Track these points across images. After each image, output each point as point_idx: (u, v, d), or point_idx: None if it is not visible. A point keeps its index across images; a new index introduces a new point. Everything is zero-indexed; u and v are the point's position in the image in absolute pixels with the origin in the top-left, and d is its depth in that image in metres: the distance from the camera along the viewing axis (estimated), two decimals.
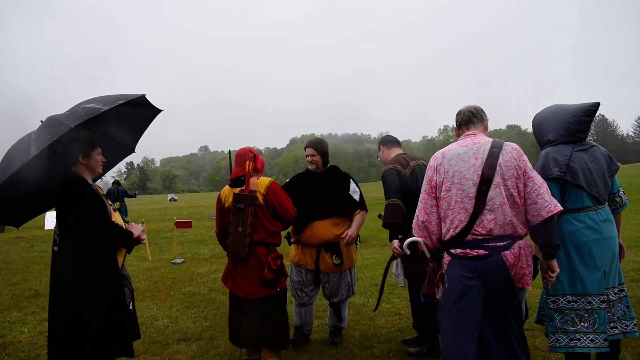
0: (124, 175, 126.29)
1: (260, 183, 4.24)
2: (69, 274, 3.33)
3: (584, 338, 3.29)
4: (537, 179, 2.93)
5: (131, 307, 3.64)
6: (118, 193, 17.12)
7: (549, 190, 2.90)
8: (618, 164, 3.53)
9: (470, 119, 3.23)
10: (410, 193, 4.25)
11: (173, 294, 7.39)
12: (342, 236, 4.72)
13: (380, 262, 9.21)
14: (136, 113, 3.95)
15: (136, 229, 3.61)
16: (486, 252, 2.86)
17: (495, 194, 2.87)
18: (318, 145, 4.89)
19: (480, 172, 2.91)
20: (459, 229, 2.94)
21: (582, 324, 3.31)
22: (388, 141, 4.92)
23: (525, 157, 2.97)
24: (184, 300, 7.01)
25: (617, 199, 3.57)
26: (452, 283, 2.99)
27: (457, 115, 3.34)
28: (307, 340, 4.91)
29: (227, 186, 4.42)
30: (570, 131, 3.44)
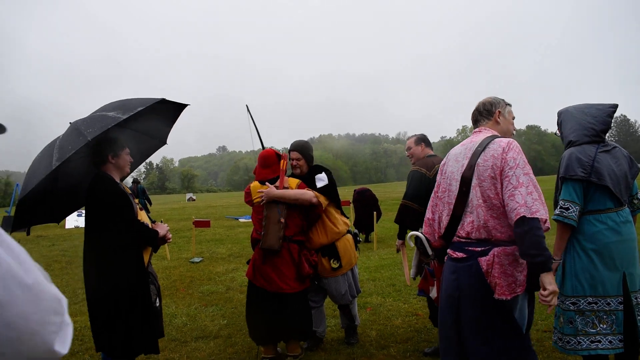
0: (143, 175, 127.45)
1: (291, 182, 4.46)
2: (96, 272, 3.43)
3: (604, 340, 3.28)
4: (517, 178, 2.63)
5: (157, 304, 3.72)
6: (137, 191, 17.42)
7: (532, 192, 2.58)
8: (639, 165, 3.54)
9: (476, 117, 3.17)
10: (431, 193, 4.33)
11: (191, 293, 7.46)
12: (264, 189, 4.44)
13: (397, 263, 9.19)
14: (162, 109, 4.04)
15: (162, 228, 3.72)
16: (465, 256, 2.81)
17: (473, 195, 2.80)
18: (303, 149, 4.77)
19: (462, 173, 2.88)
20: (444, 230, 2.97)
21: (601, 325, 3.29)
22: (425, 140, 4.92)
23: (510, 155, 2.71)
24: (202, 299, 7.07)
25: (636, 201, 3.58)
26: (443, 283, 3.01)
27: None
28: (321, 343, 4.89)
29: (255, 182, 4.55)
30: (593, 132, 3.44)
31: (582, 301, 3.34)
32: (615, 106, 3.49)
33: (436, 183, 3.17)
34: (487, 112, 3.11)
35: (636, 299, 3.35)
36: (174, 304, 6.80)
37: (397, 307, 6.15)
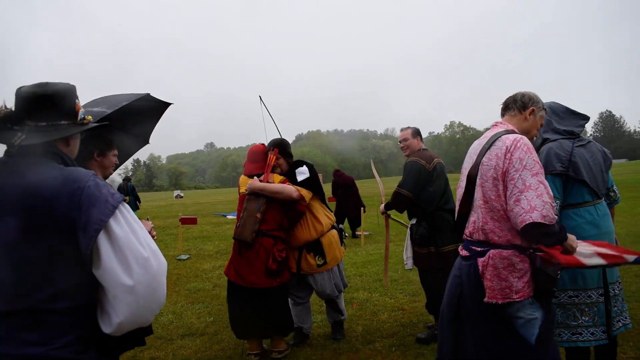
0: (130, 172, 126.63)
1: (276, 178, 4.47)
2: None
3: (585, 332, 3.31)
4: (523, 181, 2.49)
5: None
6: (127, 189, 17.49)
7: (541, 195, 2.46)
8: (611, 158, 3.60)
9: (507, 105, 3.01)
10: (428, 186, 4.68)
11: (178, 290, 7.44)
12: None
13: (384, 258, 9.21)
14: (145, 107, 4.00)
15: (147, 226, 3.69)
16: (468, 254, 2.79)
17: (477, 195, 2.74)
18: (280, 147, 4.68)
19: (469, 171, 2.82)
20: (457, 227, 2.94)
21: (583, 318, 3.31)
22: (420, 134, 5.02)
23: (517, 155, 2.55)
24: (189, 296, 7.05)
25: (612, 194, 3.66)
26: (448, 279, 3.00)
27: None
28: (307, 338, 4.89)
29: (243, 176, 4.64)
30: (569, 129, 3.52)
31: (563, 295, 3.36)
32: (587, 118, 3.63)
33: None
34: (521, 104, 2.94)
35: (613, 290, 3.39)
36: None
37: (384, 302, 6.18)
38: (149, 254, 1.64)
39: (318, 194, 4.65)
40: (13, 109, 1.70)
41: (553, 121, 3.57)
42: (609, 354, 3.46)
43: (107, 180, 3.84)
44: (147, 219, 3.89)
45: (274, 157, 4.49)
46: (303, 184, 4.51)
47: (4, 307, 1.52)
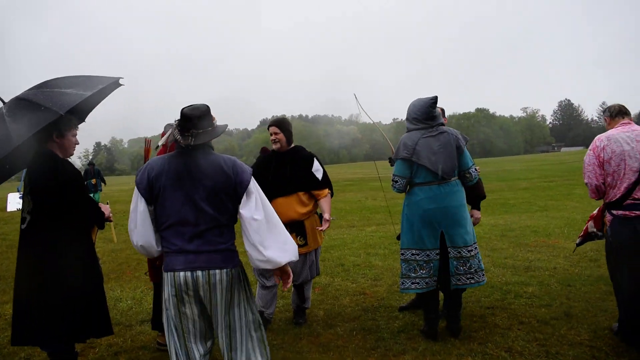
0: (90, 156, 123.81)
1: None
2: (44, 252, 3.32)
3: (421, 282, 4.26)
4: None
5: None
6: (94, 172, 17.97)
7: None
8: (464, 147, 4.32)
9: (621, 111, 4.17)
10: None
11: (138, 276, 7.31)
12: (321, 227, 4.68)
13: (347, 243, 9.27)
14: (108, 90, 3.90)
15: (106, 209, 3.64)
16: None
17: None
18: (281, 124, 4.81)
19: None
20: (621, 194, 3.89)
21: (421, 271, 4.26)
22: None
23: None
24: (148, 282, 6.91)
25: (467, 175, 4.37)
26: (616, 236, 3.99)
27: (607, 109, 4.29)
28: (268, 323, 4.86)
29: None
30: (418, 120, 4.33)
31: (407, 252, 4.33)
32: (434, 98, 4.31)
33: (598, 159, 4.03)
34: (628, 111, 4.20)
35: (459, 252, 4.22)
36: (119, 288, 6.66)
37: (345, 286, 6.21)
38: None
39: (332, 188, 4.92)
40: (179, 122, 2.82)
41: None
42: (452, 302, 4.37)
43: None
44: (107, 203, 3.81)
45: (149, 150, 4.37)
46: (324, 182, 4.81)
47: (204, 226, 2.79)
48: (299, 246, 4.58)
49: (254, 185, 2.89)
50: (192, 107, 2.84)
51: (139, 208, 2.85)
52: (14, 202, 21.53)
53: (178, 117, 2.87)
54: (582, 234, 4.57)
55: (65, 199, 3.30)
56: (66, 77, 3.70)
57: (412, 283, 4.30)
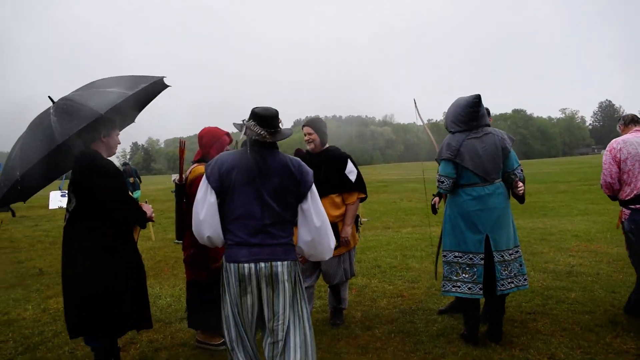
0: (128, 156, 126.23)
1: (199, 169, 4.21)
2: (85, 249, 3.41)
3: (463, 286, 4.20)
4: None
5: None
6: (131, 171, 18.48)
7: None
8: (510, 148, 4.26)
9: (634, 119, 4.78)
10: None
11: (176, 274, 7.41)
12: (341, 237, 4.64)
13: (383, 245, 9.22)
14: (153, 90, 3.97)
15: (148, 209, 3.70)
16: None
17: None
18: (315, 124, 4.77)
19: None
20: (638, 190, 4.47)
21: (463, 275, 4.20)
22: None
23: None
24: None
25: (512, 176, 4.28)
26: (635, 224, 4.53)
27: (621, 118, 4.90)
28: None
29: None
30: (462, 122, 4.25)
31: (450, 254, 4.30)
32: (477, 97, 4.20)
33: (615, 160, 4.59)
34: (639, 121, 4.79)
35: (502, 256, 4.17)
36: (158, 285, 6.76)
37: (382, 288, 6.17)
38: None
39: (365, 192, 4.84)
40: (255, 121, 2.98)
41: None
42: (495, 307, 4.30)
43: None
44: (146, 202, 3.87)
45: (184, 150, 4.32)
46: (358, 184, 4.71)
47: (269, 221, 2.94)
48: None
49: (314, 186, 3.08)
50: (265, 108, 3.06)
51: (209, 200, 2.96)
52: (56, 199, 22.15)
53: (247, 116, 3.06)
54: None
55: (106, 198, 3.37)
56: (112, 77, 3.78)
57: (453, 286, 4.25)
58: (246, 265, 2.90)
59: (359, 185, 4.72)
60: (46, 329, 5.08)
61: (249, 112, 3.09)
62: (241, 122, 3.05)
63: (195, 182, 4.05)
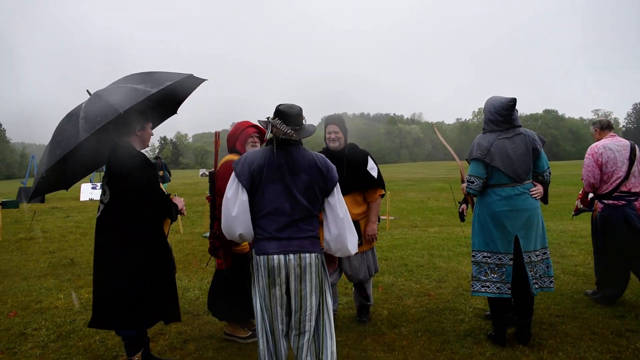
0: (157, 150, 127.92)
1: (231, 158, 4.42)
2: (117, 240, 3.47)
3: (492, 286, 4.20)
4: None
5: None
6: (161, 165, 19.43)
7: None
8: (540, 149, 4.26)
9: (609, 125, 5.40)
10: None
11: (204, 267, 7.49)
12: (366, 234, 4.67)
13: (410, 243, 9.18)
14: (183, 85, 4.02)
15: (179, 202, 3.76)
16: (624, 203, 5.11)
17: (635, 171, 5.12)
18: (341, 122, 4.71)
19: (628, 157, 5.12)
20: (612, 188, 5.14)
21: (492, 275, 4.20)
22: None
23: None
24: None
25: (540, 178, 4.33)
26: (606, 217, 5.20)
27: (598, 122, 5.46)
28: None
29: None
30: (494, 122, 4.22)
31: (479, 255, 4.29)
32: (513, 100, 4.16)
33: (597, 163, 5.16)
34: (613, 126, 5.47)
35: (529, 257, 4.18)
36: (186, 278, 6.85)
37: (409, 287, 6.15)
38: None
39: (384, 186, 4.81)
40: (280, 119, 3.06)
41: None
42: (523, 308, 4.25)
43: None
44: (175, 195, 3.92)
45: (219, 141, 4.38)
46: (379, 181, 4.69)
47: (298, 216, 3.03)
48: None
49: (338, 183, 3.21)
50: (289, 106, 3.15)
51: (241, 198, 3.04)
52: (87, 192, 22.57)
53: (271, 114, 3.16)
54: (574, 210, 5.86)
55: (138, 190, 3.42)
56: (142, 73, 3.83)
57: (482, 286, 4.23)
58: (275, 257, 2.98)
59: (380, 181, 4.71)
60: (77, 317, 5.18)
61: (274, 110, 3.18)
62: (266, 120, 3.13)
63: (220, 170, 4.22)
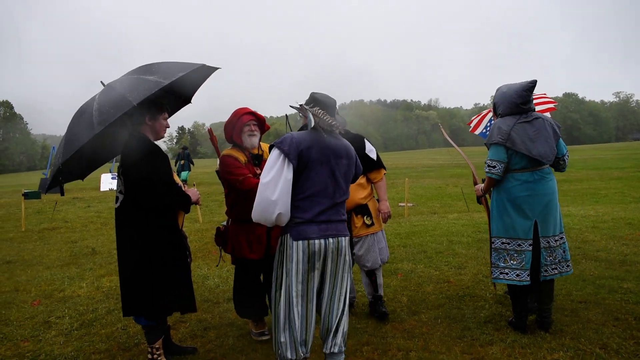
0: (175, 140, 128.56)
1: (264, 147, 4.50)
2: (133, 231, 3.51)
3: (511, 273, 4.15)
4: None
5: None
6: (184, 155, 20.19)
7: None
8: (560, 133, 4.23)
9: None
10: None
11: (223, 255, 7.52)
12: (381, 213, 4.73)
13: (429, 230, 9.14)
14: (196, 76, 4.01)
15: (194, 194, 3.76)
16: None
17: None
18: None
19: None
20: None
21: (511, 261, 4.16)
22: None
23: None
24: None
25: (562, 162, 4.30)
26: None
27: None
28: (352, 307, 4.90)
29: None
30: (514, 105, 4.15)
31: (497, 241, 4.26)
32: (534, 82, 4.15)
33: None
34: None
35: (548, 242, 4.15)
36: (206, 266, 6.90)
37: (429, 274, 6.12)
38: None
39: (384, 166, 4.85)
40: (321, 107, 3.26)
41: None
42: (543, 294, 4.19)
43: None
44: (194, 185, 3.93)
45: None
46: (378, 162, 4.70)
47: (338, 199, 3.19)
48: (367, 226, 4.61)
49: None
50: (326, 96, 3.38)
51: (285, 177, 3.04)
52: (107, 182, 22.81)
53: (304, 101, 3.36)
54: None
55: (149, 181, 3.44)
56: (153, 63, 3.82)
57: (501, 273, 4.20)
58: (316, 241, 3.07)
59: (380, 162, 4.74)
60: (99, 306, 5.26)
61: (309, 97, 3.36)
62: (299, 106, 3.29)
63: (221, 163, 4.21)
